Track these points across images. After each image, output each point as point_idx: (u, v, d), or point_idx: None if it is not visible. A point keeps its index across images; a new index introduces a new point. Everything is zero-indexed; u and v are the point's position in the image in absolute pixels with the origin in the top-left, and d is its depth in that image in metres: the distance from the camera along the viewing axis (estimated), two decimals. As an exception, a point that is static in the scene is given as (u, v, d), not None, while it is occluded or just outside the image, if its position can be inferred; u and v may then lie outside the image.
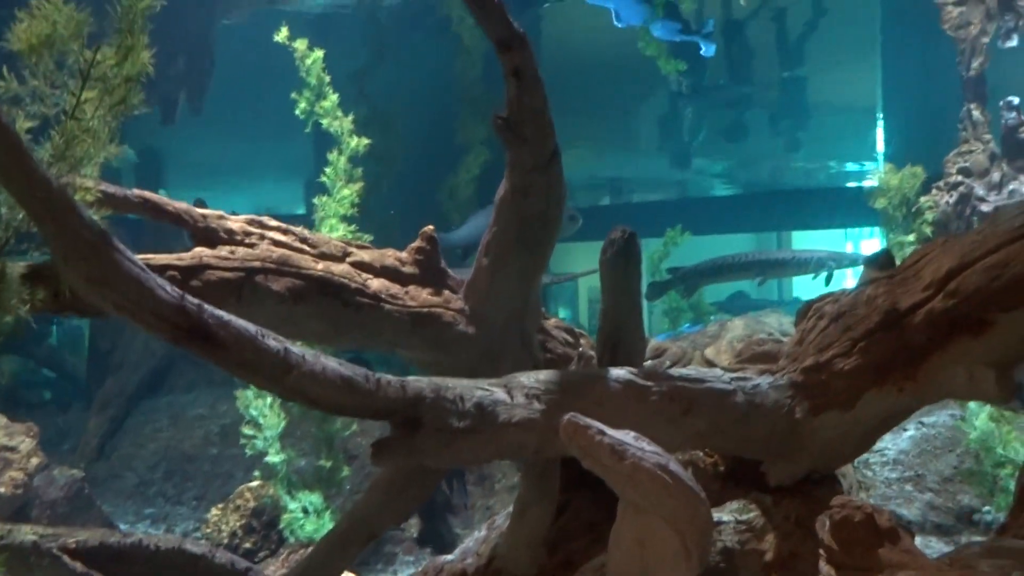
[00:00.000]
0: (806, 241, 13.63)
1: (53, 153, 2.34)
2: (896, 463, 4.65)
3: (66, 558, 3.33)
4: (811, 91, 12.03)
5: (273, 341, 2.42)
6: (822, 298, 3.19)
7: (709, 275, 7.86)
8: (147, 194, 3.08)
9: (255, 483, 6.06)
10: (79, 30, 2.14)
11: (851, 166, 15.09)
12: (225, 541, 5.82)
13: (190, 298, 2.32)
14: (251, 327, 2.39)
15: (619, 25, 8.48)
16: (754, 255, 7.84)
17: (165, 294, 2.29)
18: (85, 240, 2.18)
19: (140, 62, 2.23)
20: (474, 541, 3.91)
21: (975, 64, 6.75)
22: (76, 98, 2.28)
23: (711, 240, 9.66)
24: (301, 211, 13.99)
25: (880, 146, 9.90)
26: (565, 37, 10.65)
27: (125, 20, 2.19)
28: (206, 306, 2.34)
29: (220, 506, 6.07)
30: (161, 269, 2.84)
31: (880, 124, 9.98)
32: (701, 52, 8.69)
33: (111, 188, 3.00)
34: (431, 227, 3.46)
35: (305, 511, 5.43)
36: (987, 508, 4.49)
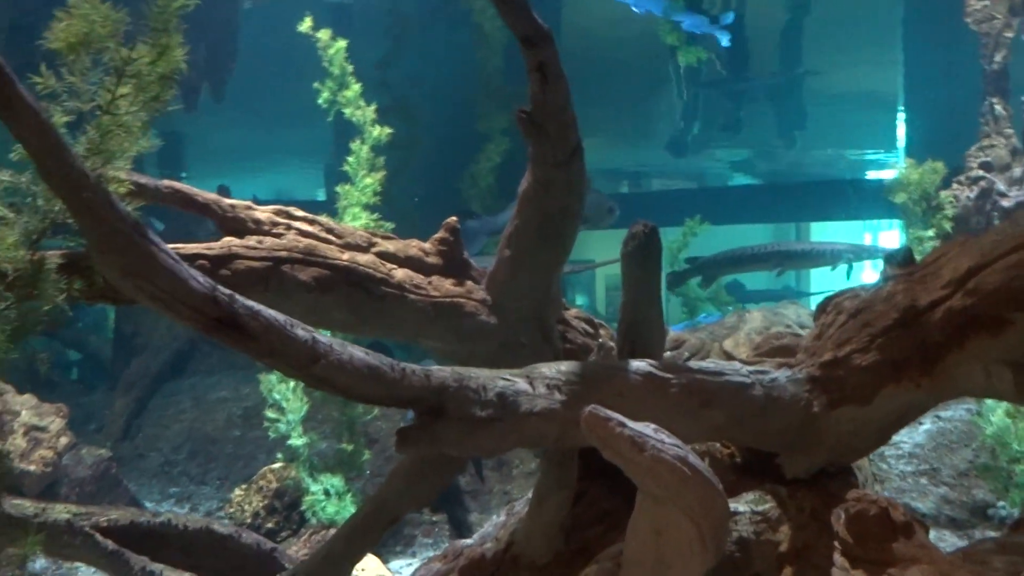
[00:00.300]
0: (825, 232, 13.56)
1: (88, 147, 2.41)
2: (911, 456, 4.67)
3: (98, 536, 3.43)
4: (827, 82, 11.94)
5: (301, 331, 2.48)
6: (841, 293, 3.22)
7: (728, 266, 7.87)
8: (177, 185, 3.15)
9: (277, 465, 6.15)
10: (116, 29, 2.20)
11: (871, 156, 14.98)
12: (248, 521, 5.93)
13: (222, 289, 2.39)
14: (280, 317, 2.45)
15: (637, 11, 8.45)
16: (774, 246, 7.84)
17: (198, 285, 2.35)
18: (121, 232, 2.24)
19: (174, 60, 2.28)
20: (493, 526, 3.98)
21: (998, 58, 6.69)
22: (111, 94, 2.35)
23: (729, 230, 9.66)
24: (321, 197, 14.09)
25: (901, 137, 9.83)
26: (585, 25, 10.63)
27: (160, 19, 2.25)
28: (237, 296, 2.40)
29: (243, 487, 6.18)
30: (191, 258, 2.91)
31: (901, 115, 9.91)
32: (721, 44, 8.67)
33: (143, 179, 3.07)
34: (454, 218, 3.51)
35: (327, 493, 5.53)
36: (1001, 503, 4.50)
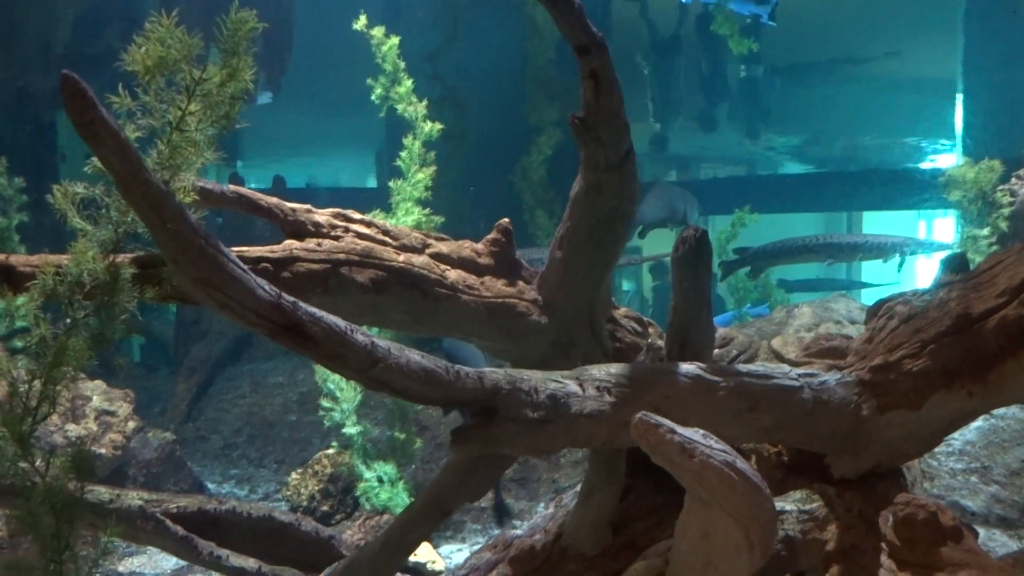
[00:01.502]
0: (877, 222, 13.29)
1: (158, 161, 2.53)
2: (962, 454, 4.62)
3: (168, 522, 3.62)
4: (883, 68, 11.65)
5: (361, 336, 2.58)
6: (893, 297, 3.22)
7: (777, 257, 7.80)
8: (242, 190, 3.26)
9: (331, 450, 6.33)
10: (190, 53, 2.31)
11: (927, 144, 14.60)
12: (304, 504, 6.12)
13: (286, 296, 2.50)
14: (340, 323, 2.56)
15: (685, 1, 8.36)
16: (825, 238, 7.74)
17: (264, 293, 2.46)
18: (194, 244, 2.36)
19: (243, 81, 2.38)
20: (542, 518, 4.07)
21: (1062, 46, 6.47)
22: (181, 111, 2.46)
23: (779, 219, 9.54)
24: (372, 184, 14.24)
25: (958, 126, 9.58)
26: (634, 11, 10.54)
27: (230, 42, 2.34)
28: (300, 304, 2.51)
29: (299, 471, 6.36)
30: (255, 261, 3.03)
31: (959, 102, 9.64)
32: (763, 21, 8.52)
33: (209, 184, 3.19)
34: (506, 220, 3.57)
35: (380, 480, 5.68)
36: (1054, 504, 4.43)
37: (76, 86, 2.08)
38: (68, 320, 2.46)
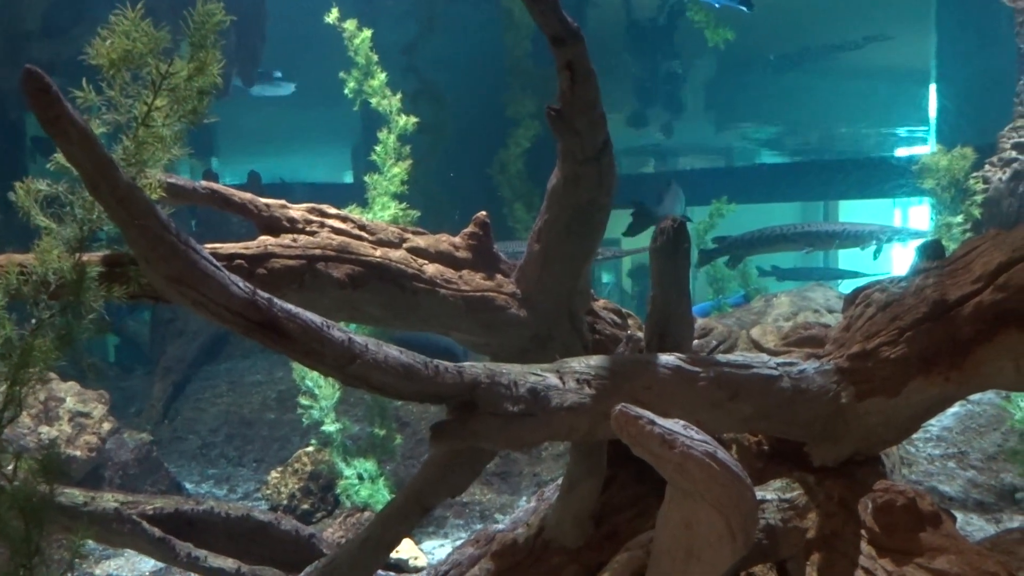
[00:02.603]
0: (854, 210, 13.41)
1: (123, 157, 2.48)
2: (940, 440, 4.67)
3: (145, 524, 3.57)
4: (858, 57, 11.71)
5: (338, 332, 2.55)
6: (870, 285, 3.23)
7: (756, 245, 7.83)
8: (214, 186, 3.22)
9: (311, 448, 6.29)
10: (156, 47, 2.26)
11: (901, 133, 14.74)
12: (284, 503, 6.08)
13: (261, 293, 2.46)
14: (316, 319, 2.53)
15: None
16: (803, 226, 7.78)
17: (238, 290, 2.42)
18: (165, 241, 2.31)
19: (211, 75, 2.34)
20: (524, 512, 4.07)
21: (1033, 37, 6.53)
22: (148, 107, 2.41)
23: (756, 209, 9.59)
24: (348, 179, 14.15)
25: (932, 113, 9.67)
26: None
27: (198, 35, 2.30)
28: (275, 300, 2.47)
29: (279, 469, 6.32)
30: (230, 258, 2.99)
31: (933, 89, 9.73)
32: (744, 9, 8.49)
33: (180, 181, 3.15)
34: (484, 213, 3.55)
35: (360, 477, 5.65)
36: (1030, 487, 4.49)
37: (40, 82, 2.03)
38: (34, 320, 2.41)
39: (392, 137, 5.53)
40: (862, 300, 3.18)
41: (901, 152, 15.30)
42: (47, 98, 2.05)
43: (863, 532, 2.97)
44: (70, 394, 5.60)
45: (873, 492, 2.94)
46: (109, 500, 3.59)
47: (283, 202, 3.30)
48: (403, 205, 5.41)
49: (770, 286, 7.96)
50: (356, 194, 5.48)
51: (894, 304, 3.02)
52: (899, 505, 2.83)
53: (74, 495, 3.55)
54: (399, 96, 5.61)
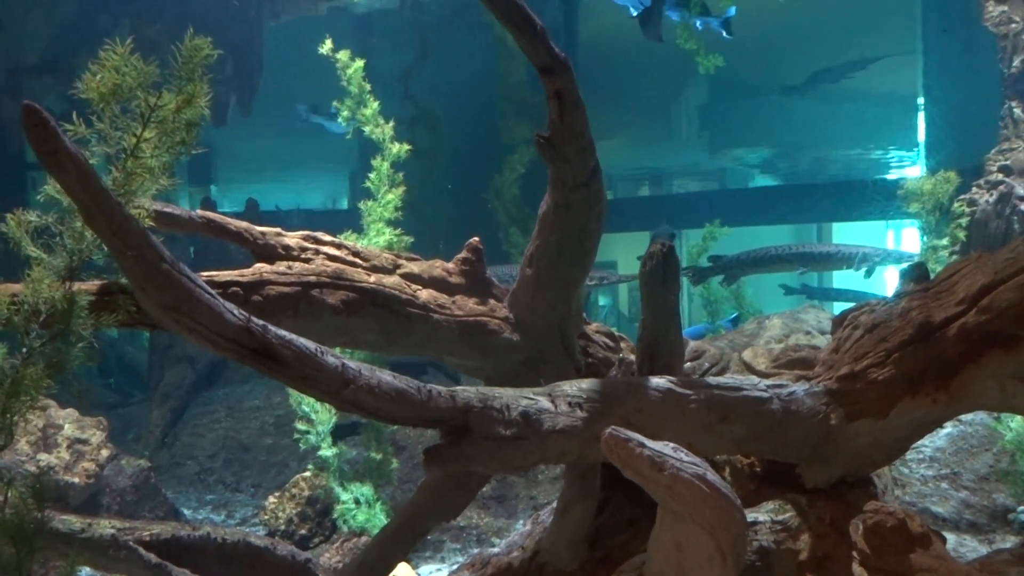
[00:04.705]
0: (846, 230, 13.47)
1: (113, 187, 2.52)
2: (932, 461, 4.69)
3: (141, 550, 3.58)
4: (847, 81, 11.82)
5: (332, 358, 2.59)
6: (858, 307, 3.27)
7: (751, 265, 7.89)
8: (211, 215, 3.27)
9: (308, 473, 6.29)
10: (145, 81, 2.31)
11: (892, 156, 14.84)
12: (282, 528, 6.07)
13: (255, 320, 2.49)
14: (311, 345, 2.56)
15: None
16: (798, 247, 7.85)
17: (232, 317, 2.46)
18: (160, 270, 2.36)
19: (199, 108, 2.39)
20: (520, 535, 4.07)
21: (1016, 62, 6.63)
22: (136, 138, 2.46)
23: (750, 231, 9.65)
24: (344, 205, 14.20)
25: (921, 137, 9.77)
26: (602, 26, 10.66)
27: (186, 69, 2.35)
28: (270, 327, 2.51)
29: (277, 494, 6.31)
30: (225, 285, 3.03)
31: (921, 113, 9.83)
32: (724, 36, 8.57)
33: (177, 211, 3.20)
34: (476, 239, 3.60)
35: (357, 502, 5.65)
36: (1021, 508, 4.48)
37: (38, 116, 2.08)
38: (25, 349, 2.44)
39: (386, 164, 5.59)
40: (850, 322, 3.22)
41: (893, 175, 15.40)
42: (45, 132, 2.10)
43: (854, 554, 2.99)
44: (68, 421, 5.61)
45: (863, 513, 2.96)
46: (106, 526, 3.60)
47: (278, 230, 3.34)
48: (397, 231, 5.46)
49: (764, 307, 8.01)
50: (352, 221, 5.53)
51: (881, 326, 3.06)
52: (889, 526, 2.85)
53: (71, 522, 3.57)
54: (392, 124, 5.68)
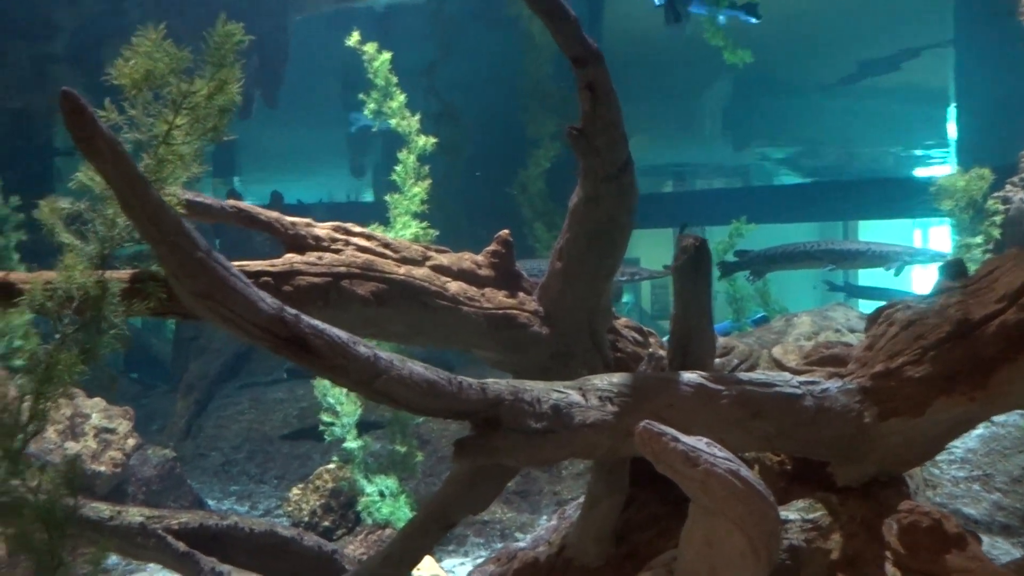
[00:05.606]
0: (874, 231, 13.33)
1: (144, 174, 2.53)
2: (964, 462, 4.62)
3: (170, 538, 3.60)
4: (877, 77, 11.68)
5: (363, 348, 2.58)
6: (893, 304, 3.23)
7: (778, 261, 7.82)
8: (241, 204, 3.27)
9: (333, 465, 6.31)
10: (178, 67, 2.32)
11: (921, 153, 14.67)
12: (306, 519, 6.09)
13: (288, 309, 2.49)
14: (343, 335, 2.56)
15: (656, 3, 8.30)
16: (826, 244, 7.77)
17: (265, 306, 2.45)
18: (195, 258, 2.36)
19: (231, 93, 2.39)
20: (546, 530, 4.06)
21: (1052, 57, 6.49)
22: (168, 125, 2.46)
23: (775, 228, 9.57)
24: (369, 198, 14.23)
25: (952, 133, 9.63)
26: (627, 22, 10.61)
27: (217, 55, 2.35)
28: (303, 316, 2.51)
29: (300, 486, 6.33)
30: (256, 275, 3.03)
31: (952, 110, 9.70)
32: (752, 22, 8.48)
33: (208, 200, 3.21)
34: (506, 231, 3.58)
35: (381, 494, 5.66)
36: (1055, 511, 4.42)
37: (76, 103, 2.09)
38: (58, 335, 2.45)
39: (412, 157, 5.59)
40: (885, 319, 3.17)
41: (922, 172, 15.22)
42: (82, 119, 2.11)
43: (887, 553, 2.95)
44: (96, 410, 5.66)
45: (898, 513, 2.92)
46: (135, 515, 3.63)
47: (309, 220, 3.34)
48: (423, 224, 5.46)
49: (790, 306, 7.94)
50: (377, 213, 5.54)
51: (917, 323, 3.01)
52: (924, 526, 2.81)
53: (100, 509, 3.59)
54: (418, 117, 5.67)
